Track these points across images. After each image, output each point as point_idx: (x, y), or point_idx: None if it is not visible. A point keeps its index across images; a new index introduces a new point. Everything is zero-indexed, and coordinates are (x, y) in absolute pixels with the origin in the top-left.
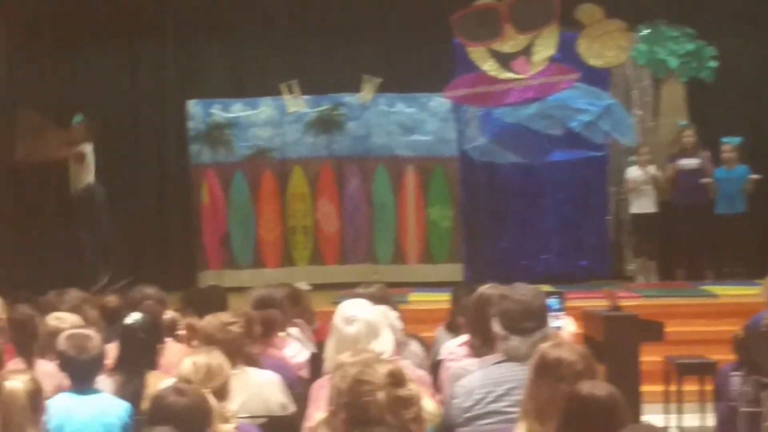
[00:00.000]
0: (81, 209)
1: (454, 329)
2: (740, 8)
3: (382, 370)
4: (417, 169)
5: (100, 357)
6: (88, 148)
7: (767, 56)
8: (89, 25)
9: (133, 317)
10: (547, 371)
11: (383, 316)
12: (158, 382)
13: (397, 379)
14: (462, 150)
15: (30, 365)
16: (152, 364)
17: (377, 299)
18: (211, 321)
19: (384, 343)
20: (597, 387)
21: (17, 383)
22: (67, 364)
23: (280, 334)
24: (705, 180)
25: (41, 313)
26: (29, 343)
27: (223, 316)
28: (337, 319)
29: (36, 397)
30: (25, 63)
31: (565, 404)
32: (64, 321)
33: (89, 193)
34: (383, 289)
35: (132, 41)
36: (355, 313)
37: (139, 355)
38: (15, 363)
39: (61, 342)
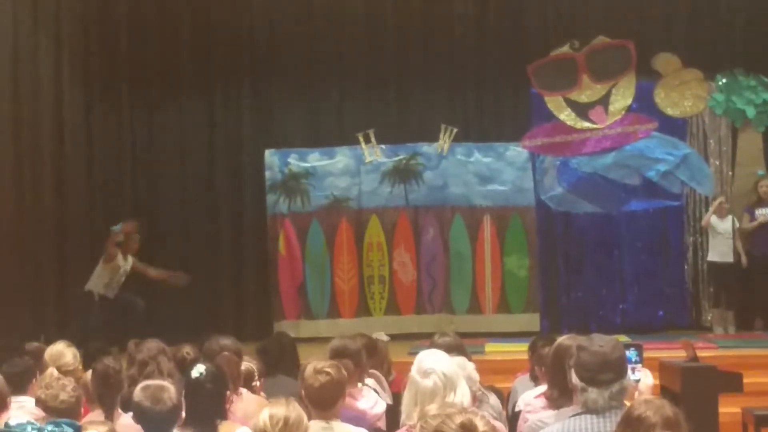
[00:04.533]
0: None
1: (534, 379)
2: None
3: (457, 421)
4: (494, 218)
5: (175, 408)
6: (120, 261)
7: None
8: (166, 76)
9: (198, 370)
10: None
11: (460, 367)
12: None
13: (470, 430)
14: (539, 199)
15: (110, 418)
16: (223, 413)
17: (452, 349)
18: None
19: (461, 396)
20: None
21: None
22: (142, 415)
23: (358, 384)
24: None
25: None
26: (111, 395)
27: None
28: (414, 371)
29: None
30: (102, 114)
31: None
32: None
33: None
34: (458, 338)
35: (209, 91)
36: (432, 366)
37: (209, 405)
38: (96, 414)
39: (137, 393)
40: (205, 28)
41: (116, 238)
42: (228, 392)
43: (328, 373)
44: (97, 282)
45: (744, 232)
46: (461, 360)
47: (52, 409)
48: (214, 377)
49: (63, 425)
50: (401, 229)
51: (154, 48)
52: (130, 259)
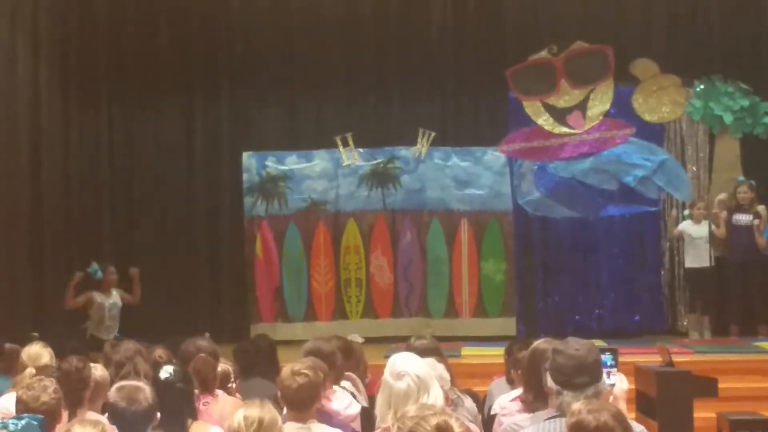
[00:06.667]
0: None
1: (510, 382)
2: None
3: (432, 423)
4: (471, 222)
5: (151, 409)
6: (99, 297)
7: None
8: (144, 78)
9: (166, 370)
10: None
11: (430, 368)
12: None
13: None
14: (516, 204)
15: (73, 417)
16: (193, 413)
17: (429, 352)
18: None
19: (434, 397)
20: None
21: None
22: (117, 415)
23: (332, 386)
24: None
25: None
26: (76, 393)
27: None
28: (387, 374)
29: None
30: (80, 115)
31: None
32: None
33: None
34: (435, 341)
35: (187, 93)
36: (405, 368)
37: (179, 405)
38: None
39: (112, 393)
40: (184, 30)
41: (76, 279)
42: (196, 391)
43: (305, 375)
44: (91, 326)
45: (721, 235)
46: (431, 361)
47: (33, 411)
48: (183, 377)
49: (25, 418)
50: (378, 233)
51: (133, 49)
52: (114, 292)
